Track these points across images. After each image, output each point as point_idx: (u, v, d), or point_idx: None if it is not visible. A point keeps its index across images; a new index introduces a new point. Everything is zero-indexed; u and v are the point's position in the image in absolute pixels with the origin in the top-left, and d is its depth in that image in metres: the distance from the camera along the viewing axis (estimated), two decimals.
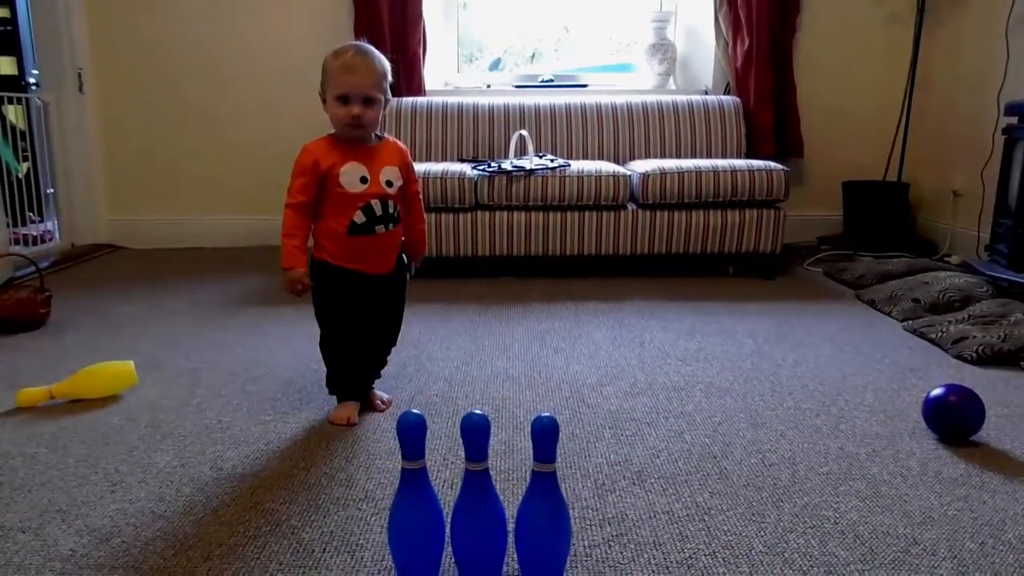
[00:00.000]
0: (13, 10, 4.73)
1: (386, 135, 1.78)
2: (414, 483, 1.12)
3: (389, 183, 1.72)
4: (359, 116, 1.63)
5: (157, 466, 1.55)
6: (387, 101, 1.70)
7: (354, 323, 1.76)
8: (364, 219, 1.68)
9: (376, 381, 1.89)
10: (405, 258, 1.84)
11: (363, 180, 1.67)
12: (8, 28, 4.75)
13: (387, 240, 1.74)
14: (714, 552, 1.24)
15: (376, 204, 1.69)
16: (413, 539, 1.13)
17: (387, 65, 1.68)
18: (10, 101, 3.86)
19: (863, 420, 1.79)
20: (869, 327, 2.56)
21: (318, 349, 1.82)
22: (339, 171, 1.66)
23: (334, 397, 1.83)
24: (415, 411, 1.12)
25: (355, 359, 1.80)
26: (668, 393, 1.96)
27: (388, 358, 1.92)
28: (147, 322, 2.62)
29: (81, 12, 3.83)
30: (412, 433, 1.10)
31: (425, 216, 1.89)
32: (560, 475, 1.49)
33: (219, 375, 2.09)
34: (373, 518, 1.35)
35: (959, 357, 2.22)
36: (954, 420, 1.66)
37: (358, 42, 1.69)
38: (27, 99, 3.87)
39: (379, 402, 1.86)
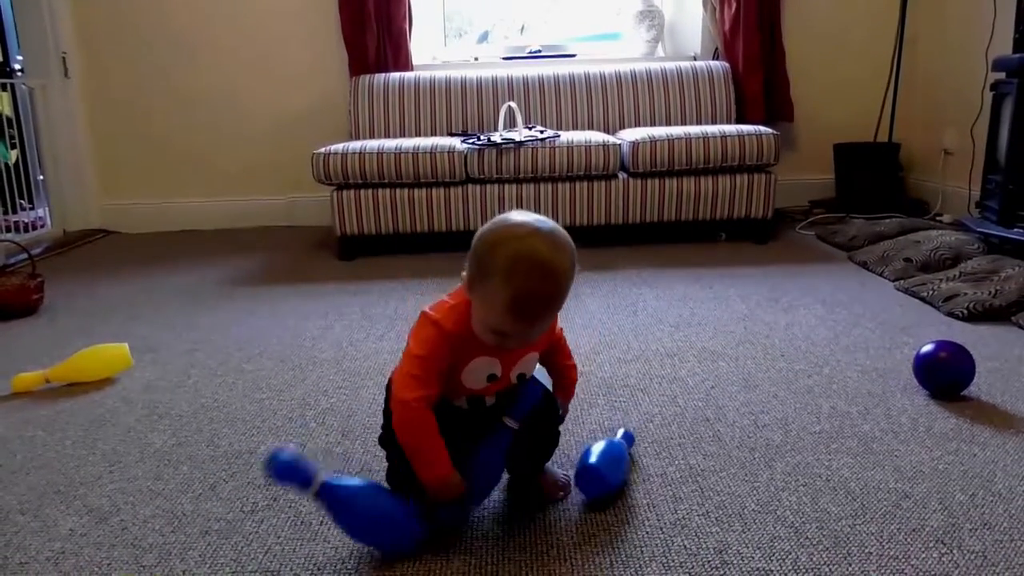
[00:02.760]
0: None
1: None
2: (332, 499, 1.12)
3: (522, 376, 1.22)
4: (516, 347, 1.16)
5: (154, 445, 1.56)
6: None
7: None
8: (467, 407, 1.22)
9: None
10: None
11: (491, 378, 1.18)
12: None
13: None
14: (707, 512, 1.26)
15: (490, 396, 1.22)
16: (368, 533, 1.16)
17: (574, 270, 1.12)
18: None
19: (855, 379, 1.80)
20: (861, 288, 2.57)
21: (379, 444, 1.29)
22: (466, 365, 1.16)
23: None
24: (282, 455, 1.09)
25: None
26: (661, 359, 1.97)
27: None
28: (140, 305, 2.62)
29: None
30: (284, 476, 1.09)
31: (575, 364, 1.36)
32: None
33: (213, 355, 2.09)
34: None
35: (950, 314, 2.23)
36: (944, 376, 1.67)
37: (547, 233, 1.07)
38: (12, 85, 3.83)
39: (554, 486, 1.34)
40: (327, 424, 1.64)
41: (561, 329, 1.31)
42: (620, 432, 1.47)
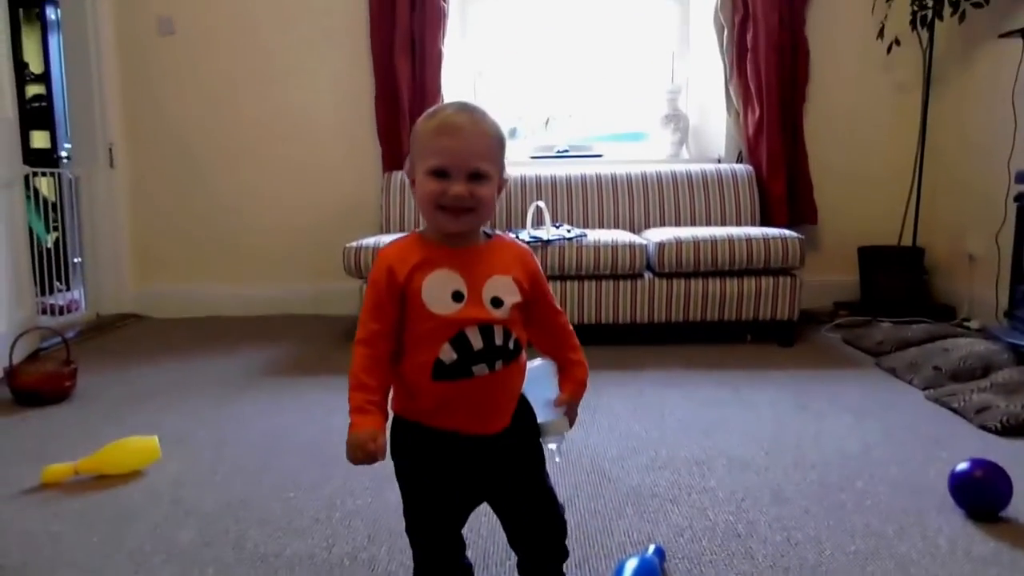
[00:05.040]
0: (48, 87, 4.95)
1: (500, 232, 1.23)
2: None
3: (497, 302, 1.13)
4: (461, 195, 1.09)
5: (180, 545, 1.56)
6: (503, 182, 1.16)
7: (455, 507, 1.20)
8: (455, 356, 1.11)
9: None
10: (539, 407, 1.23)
11: (456, 297, 1.11)
12: (43, 104, 4.96)
13: (493, 385, 1.15)
14: None
15: (473, 334, 1.11)
16: None
17: (502, 130, 1.16)
18: (42, 174, 3.98)
19: (888, 495, 1.77)
20: (890, 396, 2.54)
21: (404, 533, 1.23)
22: (422, 282, 1.11)
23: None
24: None
25: (460, 560, 1.23)
26: (690, 467, 1.95)
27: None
28: (171, 394, 2.65)
29: (115, 90, 3.97)
30: None
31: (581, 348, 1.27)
32: (582, 554, 1.48)
33: (241, 449, 2.10)
34: None
35: (983, 427, 2.20)
36: (981, 496, 1.64)
37: (462, 100, 1.19)
38: (59, 174, 3.99)
39: None
40: (353, 527, 1.63)
41: (560, 312, 1.25)
42: (651, 547, 1.44)
